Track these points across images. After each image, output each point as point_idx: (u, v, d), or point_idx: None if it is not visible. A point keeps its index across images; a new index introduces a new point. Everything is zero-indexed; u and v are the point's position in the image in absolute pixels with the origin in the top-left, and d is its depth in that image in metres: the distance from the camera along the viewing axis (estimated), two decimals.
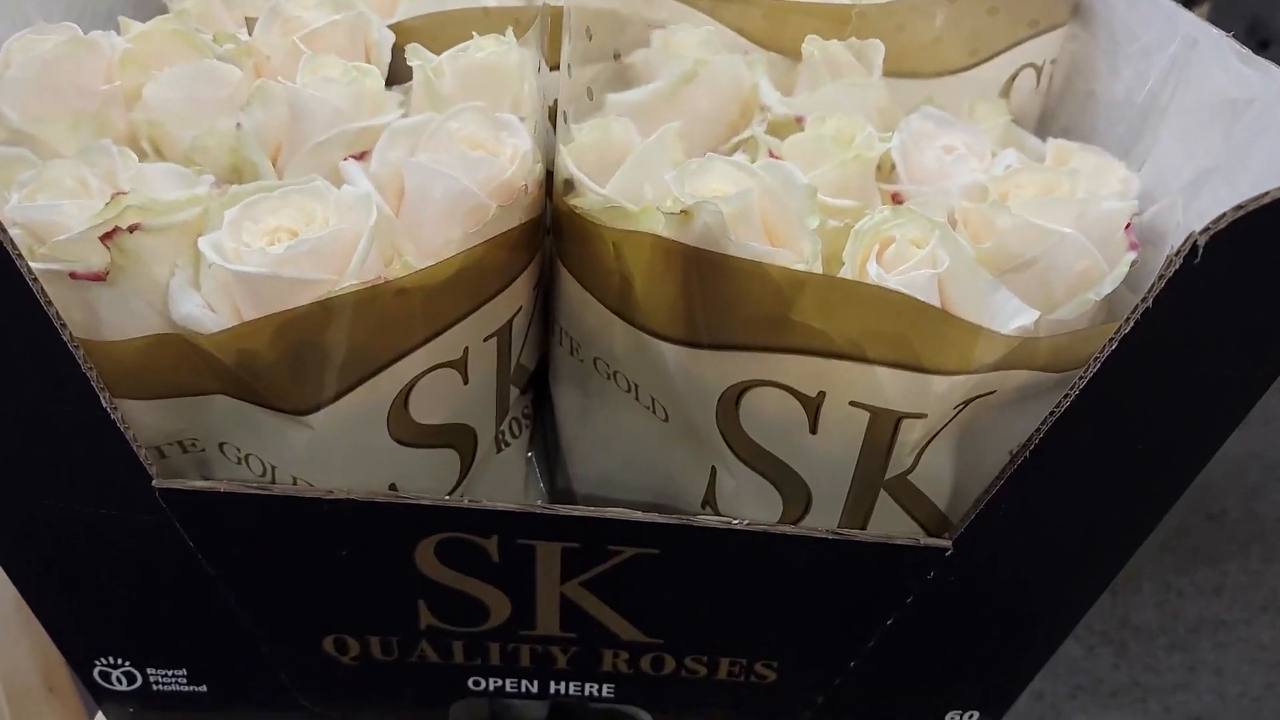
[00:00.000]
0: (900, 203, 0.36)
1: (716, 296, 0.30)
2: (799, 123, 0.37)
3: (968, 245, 0.31)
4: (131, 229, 0.29)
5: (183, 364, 0.30)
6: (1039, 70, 0.45)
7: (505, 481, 0.41)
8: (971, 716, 0.41)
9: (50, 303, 0.28)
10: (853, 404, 0.31)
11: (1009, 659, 0.39)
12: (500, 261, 0.33)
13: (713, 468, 0.35)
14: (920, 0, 0.41)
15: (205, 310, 0.30)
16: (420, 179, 0.32)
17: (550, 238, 0.37)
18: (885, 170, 0.37)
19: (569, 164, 0.34)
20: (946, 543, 0.33)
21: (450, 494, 0.37)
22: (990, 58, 0.43)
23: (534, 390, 0.42)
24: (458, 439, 0.36)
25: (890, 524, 0.34)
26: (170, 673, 0.39)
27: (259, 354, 0.30)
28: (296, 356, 0.30)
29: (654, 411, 0.35)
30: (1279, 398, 0.36)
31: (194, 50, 0.39)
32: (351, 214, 0.30)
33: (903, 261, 0.30)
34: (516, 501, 0.33)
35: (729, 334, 0.31)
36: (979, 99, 0.41)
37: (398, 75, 0.40)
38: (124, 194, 0.29)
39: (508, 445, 0.40)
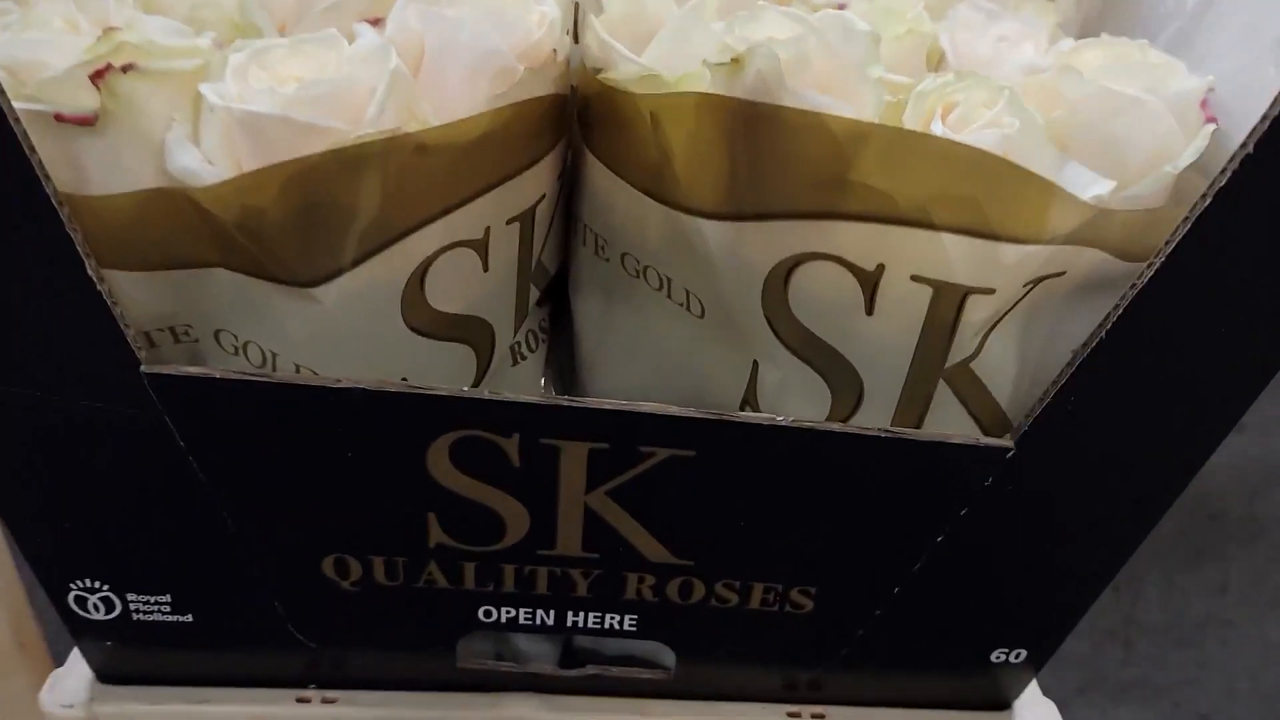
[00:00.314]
0: None
1: (767, 157, 0.28)
2: (842, 7, 0.35)
3: (1037, 114, 0.28)
4: (125, 69, 0.26)
5: (178, 225, 0.28)
6: None
7: None
8: (1019, 655, 0.38)
9: (33, 149, 0.26)
10: (914, 278, 0.28)
11: (1064, 587, 0.36)
12: (526, 133, 0.31)
13: (754, 362, 0.32)
14: None
15: (205, 164, 0.27)
16: (443, 35, 0.29)
17: (576, 130, 0.35)
18: (934, 61, 0.35)
19: (600, 33, 0.31)
20: (1008, 443, 0.30)
21: None
22: None
23: (551, 306, 0.39)
24: (475, 335, 0.33)
25: (946, 427, 0.31)
26: (152, 599, 0.35)
27: (264, 211, 0.27)
28: (305, 215, 0.27)
29: (688, 307, 0.33)
30: (1277, 403, 0.33)
31: None
32: (368, 64, 0.28)
33: (969, 124, 0.28)
34: None
35: (779, 200, 0.28)
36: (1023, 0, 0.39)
37: None
38: (118, 30, 0.27)
39: (524, 359, 0.37)
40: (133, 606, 0.36)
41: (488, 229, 0.31)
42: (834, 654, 0.38)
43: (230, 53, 0.28)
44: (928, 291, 0.28)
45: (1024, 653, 0.38)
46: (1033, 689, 0.41)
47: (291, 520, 0.33)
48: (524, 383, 0.38)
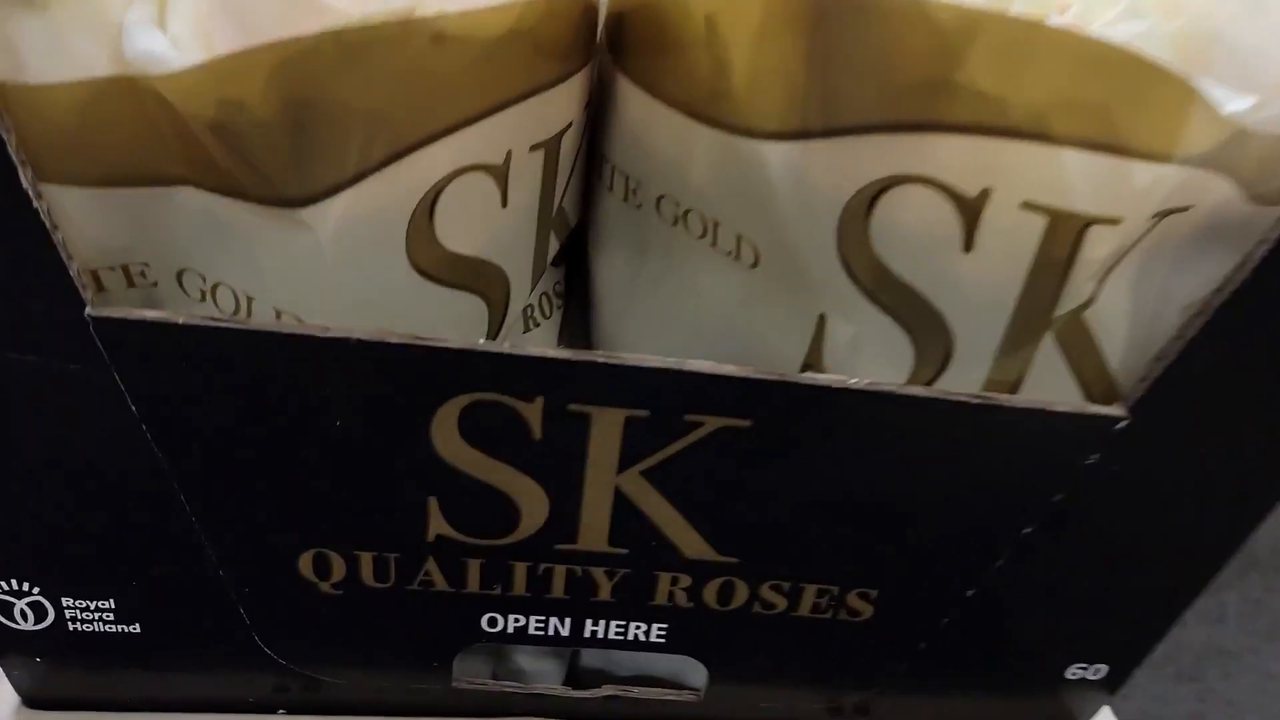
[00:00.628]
0: None
1: (852, 57, 0.23)
2: None
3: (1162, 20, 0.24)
4: None
5: (137, 127, 0.22)
6: None
7: None
8: (1099, 671, 0.33)
9: None
10: (1026, 205, 0.24)
11: (1159, 591, 0.31)
12: (556, 40, 0.26)
13: (821, 317, 0.27)
14: None
15: (172, 48, 0.22)
16: None
17: (604, 56, 0.30)
18: None
19: None
20: (1121, 411, 0.26)
21: None
22: None
23: (566, 268, 0.34)
24: (488, 284, 0.28)
25: (1045, 393, 0.27)
26: (92, 606, 0.30)
27: (245, 107, 0.22)
28: (296, 113, 0.22)
29: (738, 256, 0.28)
30: None
31: None
32: None
33: (1087, 25, 0.23)
34: None
35: (865, 110, 0.24)
36: None
37: None
38: None
39: (537, 326, 0.32)
40: (69, 614, 0.30)
41: (509, 154, 0.26)
42: (890, 672, 0.33)
43: None
44: (1040, 221, 0.24)
45: (1104, 669, 0.33)
46: (1106, 715, 0.36)
47: (265, 507, 0.27)
48: None
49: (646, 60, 0.28)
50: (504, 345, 0.24)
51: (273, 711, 0.33)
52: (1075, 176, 0.23)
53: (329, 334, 0.24)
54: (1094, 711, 0.36)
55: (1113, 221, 0.24)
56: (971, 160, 0.23)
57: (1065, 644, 0.33)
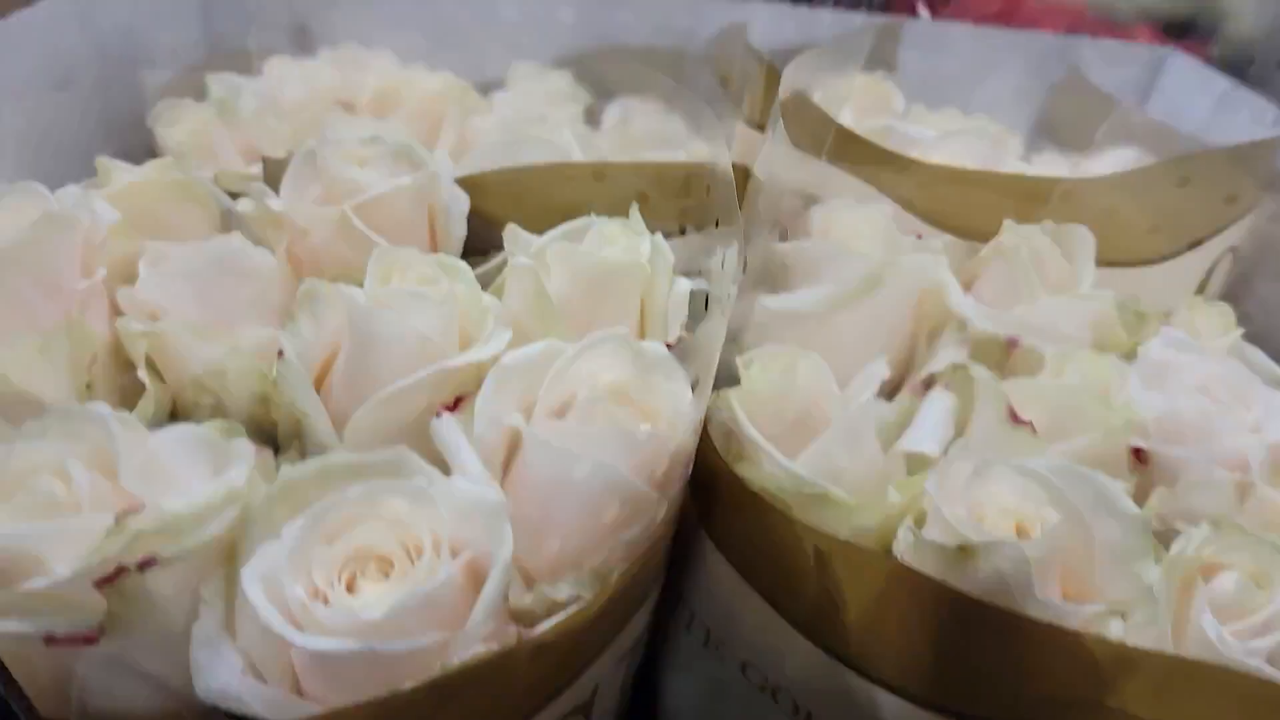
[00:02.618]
0: (1145, 463, 0.27)
1: (994, 662, 0.21)
2: (1011, 348, 0.29)
3: None
4: (143, 566, 0.19)
5: None
6: (1236, 253, 0.37)
7: None
8: None
9: (13, 680, 0.18)
10: None
11: None
12: (654, 565, 0.24)
13: None
14: (1131, 178, 0.33)
15: (249, 679, 0.20)
16: (552, 466, 0.22)
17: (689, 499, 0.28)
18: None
19: (741, 418, 0.25)
20: None
21: None
22: (1197, 244, 0.35)
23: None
24: None
25: None
26: None
27: None
28: None
29: None
30: None
31: (201, 210, 0.29)
32: (472, 529, 0.20)
33: (1247, 613, 0.21)
34: None
35: (1003, 711, 0.22)
36: (1196, 307, 0.32)
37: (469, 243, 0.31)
38: (133, 512, 0.19)
39: None
40: None
41: (597, 686, 0.24)
42: None
43: (275, 504, 0.20)
44: None
45: None
46: None
47: None
48: None
49: (739, 544, 0.26)
50: None
51: None
52: None
53: None
54: None
55: None
56: None
57: None
